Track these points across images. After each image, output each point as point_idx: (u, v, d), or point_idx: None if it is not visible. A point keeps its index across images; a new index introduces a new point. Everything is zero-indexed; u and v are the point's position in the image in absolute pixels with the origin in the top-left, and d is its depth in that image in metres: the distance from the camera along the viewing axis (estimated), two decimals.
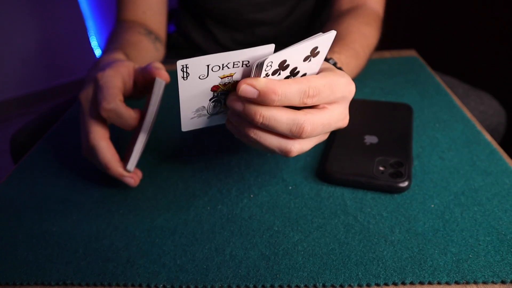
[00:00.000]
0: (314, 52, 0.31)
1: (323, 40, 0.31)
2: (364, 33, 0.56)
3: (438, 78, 0.60)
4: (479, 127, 0.47)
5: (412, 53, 0.69)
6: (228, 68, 0.31)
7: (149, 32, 0.68)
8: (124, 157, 0.40)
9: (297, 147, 0.33)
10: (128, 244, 0.36)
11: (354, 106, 0.51)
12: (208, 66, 0.31)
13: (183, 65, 0.30)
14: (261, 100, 0.30)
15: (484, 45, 1.33)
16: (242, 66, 0.32)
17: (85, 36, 2.18)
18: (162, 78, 0.38)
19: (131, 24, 0.68)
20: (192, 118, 0.35)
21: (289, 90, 0.30)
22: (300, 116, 0.31)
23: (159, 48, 0.70)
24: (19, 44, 2.05)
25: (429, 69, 0.63)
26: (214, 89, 0.33)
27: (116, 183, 0.44)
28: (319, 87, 0.31)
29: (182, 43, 0.89)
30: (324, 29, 0.60)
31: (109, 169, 0.39)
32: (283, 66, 0.31)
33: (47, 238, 0.37)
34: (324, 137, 0.36)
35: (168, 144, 0.49)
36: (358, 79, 0.61)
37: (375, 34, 0.59)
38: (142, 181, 0.43)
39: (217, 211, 0.39)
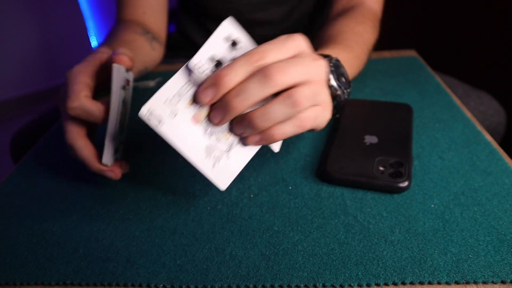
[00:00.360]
0: (230, 40, 0.33)
1: (225, 27, 0.32)
2: (358, 31, 0.55)
3: (438, 78, 0.60)
4: (479, 127, 0.47)
5: (412, 53, 0.69)
6: (186, 92, 0.31)
7: (146, 32, 0.68)
8: None
9: (311, 114, 0.32)
10: (128, 244, 0.36)
11: (354, 106, 0.52)
12: (166, 101, 0.31)
13: (146, 114, 0.30)
14: (221, 89, 0.30)
15: (484, 45, 1.33)
16: (194, 86, 0.32)
17: (85, 36, 2.18)
18: (120, 63, 0.36)
19: (129, 23, 0.67)
20: (214, 165, 0.33)
21: (235, 64, 0.30)
22: (286, 95, 0.31)
23: (156, 47, 0.69)
24: (19, 44, 2.05)
25: (429, 69, 0.63)
26: (196, 120, 0.32)
27: (116, 182, 0.44)
28: (263, 47, 0.31)
29: (182, 43, 0.89)
30: (320, 31, 0.60)
31: (88, 166, 0.39)
32: (216, 62, 0.32)
33: (47, 238, 0.37)
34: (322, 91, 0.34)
35: (168, 144, 0.49)
36: (358, 79, 0.61)
37: (370, 31, 0.58)
38: (142, 181, 0.43)
39: (217, 211, 0.39)
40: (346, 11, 0.63)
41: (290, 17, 0.81)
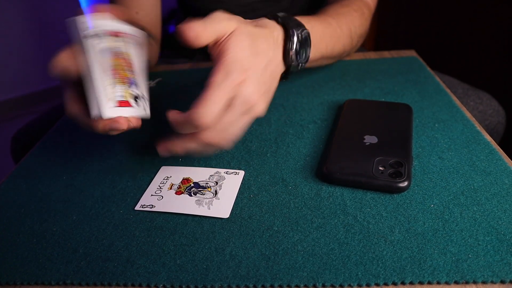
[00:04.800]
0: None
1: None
2: (342, 12, 0.58)
3: (437, 78, 0.60)
4: (478, 127, 0.47)
5: (412, 53, 0.69)
6: (164, 184, 0.42)
7: (141, 28, 0.69)
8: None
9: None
10: (128, 244, 0.36)
11: (354, 106, 0.52)
12: (153, 194, 0.41)
13: (139, 207, 0.40)
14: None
15: (483, 45, 1.33)
16: None
17: None
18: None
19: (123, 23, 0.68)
20: (209, 207, 0.39)
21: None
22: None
23: (152, 43, 0.70)
24: (19, 44, 2.05)
25: (428, 69, 0.63)
26: (179, 193, 0.41)
27: (116, 182, 0.44)
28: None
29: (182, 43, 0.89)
30: None
31: (80, 123, 0.39)
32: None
33: (47, 238, 0.37)
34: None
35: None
36: (358, 79, 0.61)
37: (355, 16, 0.61)
38: (142, 180, 0.43)
39: None
40: (339, 1, 0.65)
41: None
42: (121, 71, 0.39)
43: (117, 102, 0.38)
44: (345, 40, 0.58)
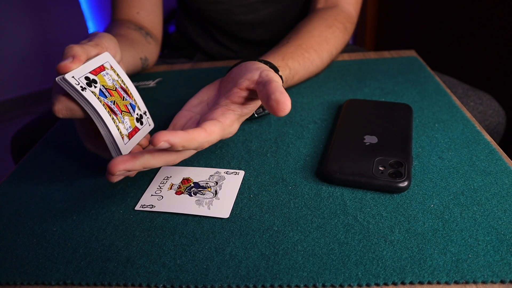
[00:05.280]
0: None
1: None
2: (326, 37, 0.60)
3: (437, 78, 0.60)
4: (478, 127, 0.47)
5: (412, 53, 0.69)
6: (164, 184, 0.42)
7: (139, 28, 0.69)
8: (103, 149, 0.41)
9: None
10: (128, 244, 0.36)
11: (354, 106, 0.52)
12: (153, 193, 0.41)
13: (139, 207, 0.40)
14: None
15: (483, 45, 1.33)
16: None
17: (85, 37, 2.17)
18: (62, 71, 0.36)
19: (122, 21, 0.69)
20: (209, 207, 0.39)
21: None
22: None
23: (151, 42, 0.70)
24: (19, 44, 2.05)
25: (428, 69, 0.63)
26: (179, 193, 0.41)
27: (116, 182, 0.44)
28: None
29: (182, 43, 0.89)
30: (296, 26, 0.64)
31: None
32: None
33: (47, 238, 0.38)
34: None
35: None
36: (358, 79, 0.61)
37: (339, 36, 0.62)
38: (142, 180, 0.43)
39: None
40: (320, 11, 0.66)
41: (282, 19, 0.80)
42: (121, 102, 0.40)
43: (129, 134, 0.40)
44: (319, 68, 0.60)
